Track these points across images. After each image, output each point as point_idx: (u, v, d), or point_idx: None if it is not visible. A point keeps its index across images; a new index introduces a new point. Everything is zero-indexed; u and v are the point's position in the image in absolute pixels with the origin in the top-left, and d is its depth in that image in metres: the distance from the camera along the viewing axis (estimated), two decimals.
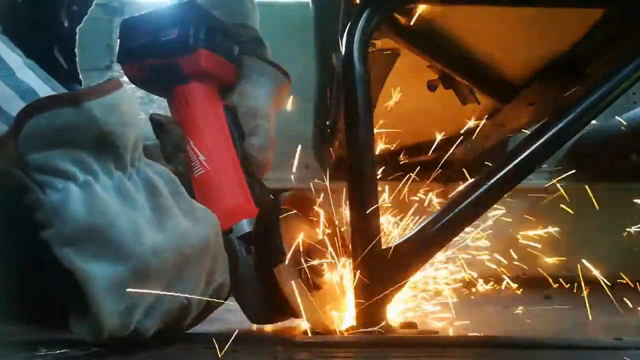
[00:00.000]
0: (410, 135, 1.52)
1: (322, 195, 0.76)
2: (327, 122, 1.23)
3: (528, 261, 1.81)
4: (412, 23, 0.83)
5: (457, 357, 0.53)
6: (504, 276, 1.77)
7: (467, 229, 0.79)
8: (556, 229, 1.84)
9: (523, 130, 1.28)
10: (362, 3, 0.73)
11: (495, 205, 0.70)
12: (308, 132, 1.60)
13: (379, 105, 1.03)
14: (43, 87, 0.56)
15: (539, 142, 0.66)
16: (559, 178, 1.85)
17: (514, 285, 1.62)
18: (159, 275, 0.52)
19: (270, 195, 0.74)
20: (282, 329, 0.73)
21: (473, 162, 1.57)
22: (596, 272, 1.73)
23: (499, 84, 1.07)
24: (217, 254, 0.60)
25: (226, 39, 0.76)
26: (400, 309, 0.77)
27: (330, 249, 0.73)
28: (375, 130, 0.71)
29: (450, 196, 0.71)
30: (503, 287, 1.59)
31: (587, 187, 1.83)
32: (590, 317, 0.89)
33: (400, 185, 1.79)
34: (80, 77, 0.87)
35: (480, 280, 1.78)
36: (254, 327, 0.75)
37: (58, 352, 0.52)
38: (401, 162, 1.66)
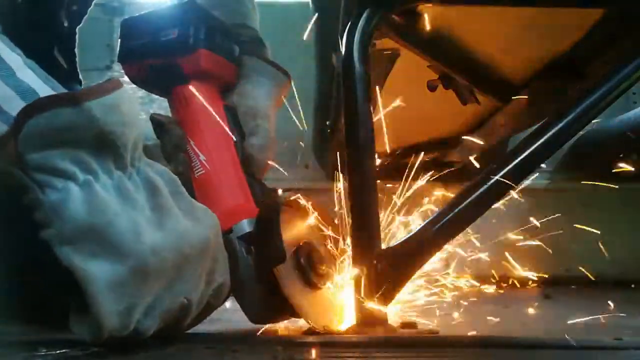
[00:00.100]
0: (411, 135, 1.52)
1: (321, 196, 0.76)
2: (327, 122, 1.23)
3: (528, 261, 1.81)
4: (412, 23, 0.83)
5: (457, 357, 0.53)
6: (504, 276, 1.77)
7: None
8: (555, 228, 1.84)
9: (523, 130, 1.29)
10: (362, 3, 0.73)
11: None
12: (308, 132, 1.60)
13: (379, 105, 1.03)
14: (43, 87, 0.57)
15: (539, 142, 0.66)
16: (559, 178, 1.85)
17: (515, 286, 1.63)
18: (159, 274, 0.52)
19: (271, 196, 0.74)
20: (282, 329, 0.73)
21: (473, 162, 1.57)
22: (596, 272, 1.73)
23: (499, 84, 1.07)
24: (217, 254, 0.60)
25: (226, 39, 0.76)
26: (401, 308, 0.77)
27: (329, 248, 0.73)
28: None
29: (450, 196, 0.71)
30: (503, 287, 1.59)
31: (586, 187, 1.83)
32: (590, 317, 0.89)
33: (401, 185, 1.79)
34: (80, 77, 0.87)
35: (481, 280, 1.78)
36: (254, 327, 0.75)
37: (58, 352, 0.52)
38: (401, 162, 1.66)
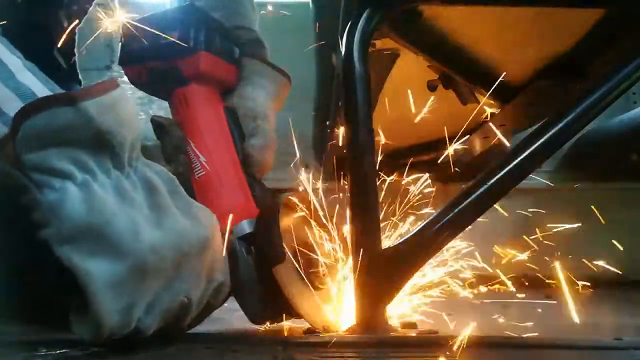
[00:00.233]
0: (411, 135, 1.52)
1: (321, 196, 0.76)
2: (327, 122, 1.23)
3: (528, 261, 1.81)
4: (412, 23, 0.83)
5: (456, 357, 0.53)
6: (505, 276, 1.77)
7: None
8: (556, 228, 1.84)
9: (523, 130, 1.29)
10: (362, 3, 0.73)
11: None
12: (308, 132, 1.60)
13: (379, 105, 1.03)
14: (43, 89, 0.57)
15: (539, 142, 0.66)
16: (559, 178, 1.85)
17: (514, 285, 1.63)
18: (158, 273, 0.52)
19: (271, 196, 0.74)
20: (282, 329, 0.73)
21: (473, 162, 1.57)
22: (596, 272, 1.73)
23: (498, 84, 1.07)
24: (217, 253, 0.60)
25: (226, 40, 0.76)
26: (401, 309, 0.77)
27: (329, 249, 0.73)
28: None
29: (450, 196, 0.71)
30: (503, 287, 1.59)
31: (586, 187, 1.83)
32: (590, 317, 0.89)
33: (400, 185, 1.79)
34: (80, 77, 0.87)
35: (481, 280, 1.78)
36: (254, 327, 0.75)
37: (58, 352, 0.52)
38: (401, 162, 1.66)
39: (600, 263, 1.77)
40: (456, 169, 1.65)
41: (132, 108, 0.55)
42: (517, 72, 1.04)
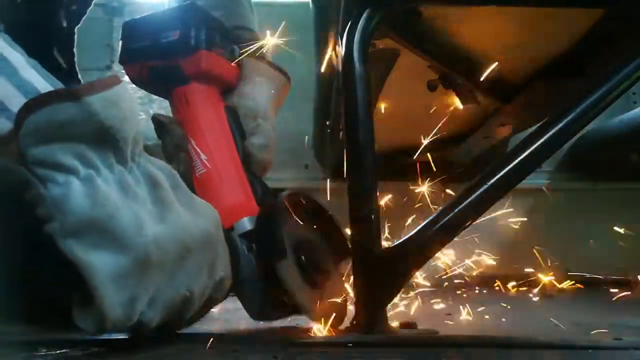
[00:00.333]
0: (411, 135, 1.52)
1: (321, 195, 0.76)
2: (327, 122, 1.23)
3: (528, 261, 1.81)
4: (412, 23, 0.83)
5: (457, 357, 0.53)
6: (504, 276, 1.77)
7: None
8: (555, 228, 1.84)
9: (523, 130, 1.29)
10: (362, 3, 0.73)
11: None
12: (308, 132, 1.60)
13: (379, 105, 1.03)
14: (45, 85, 0.57)
15: (539, 142, 0.66)
16: (559, 178, 1.85)
17: (514, 285, 1.63)
18: (161, 266, 0.52)
19: (271, 194, 0.74)
20: (282, 329, 0.73)
21: (473, 162, 1.57)
22: (596, 272, 1.73)
23: (499, 84, 1.07)
24: (219, 248, 0.60)
25: (227, 40, 0.77)
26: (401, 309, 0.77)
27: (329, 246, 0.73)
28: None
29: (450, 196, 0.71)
30: (503, 287, 1.59)
31: (586, 187, 1.83)
32: (590, 317, 0.89)
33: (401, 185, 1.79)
34: (80, 77, 0.87)
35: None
36: (254, 327, 0.75)
37: (58, 352, 0.52)
38: (401, 162, 1.66)
39: (600, 263, 1.77)
40: (456, 169, 1.65)
41: (134, 104, 0.55)
42: (517, 72, 1.04)
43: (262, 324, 0.77)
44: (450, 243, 0.67)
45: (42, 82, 0.57)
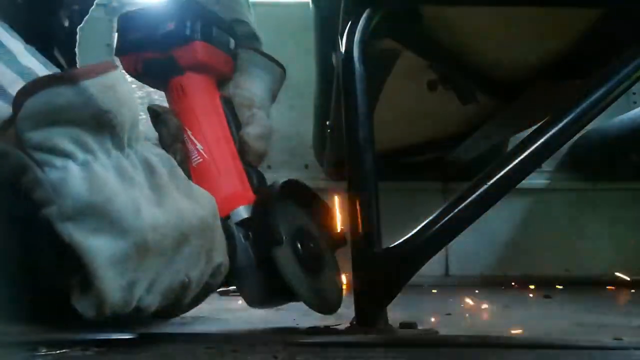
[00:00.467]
0: (410, 135, 1.52)
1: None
2: (327, 122, 1.23)
3: (528, 261, 1.81)
4: (412, 23, 0.83)
5: (457, 357, 0.53)
6: (504, 276, 1.77)
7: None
8: (555, 228, 1.84)
9: (523, 130, 1.29)
10: (362, 3, 0.73)
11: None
12: (308, 132, 1.60)
13: (379, 105, 1.03)
14: (45, 72, 0.57)
15: (539, 142, 0.66)
16: (559, 178, 1.85)
17: (514, 286, 1.63)
18: (159, 250, 0.52)
19: (267, 183, 0.74)
20: (282, 329, 0.73)
21: (473, 162, 1.57)
22: (596, 272, 1.74)
23: (499, 84, 1.07)
24: (216, 235, 0.61)
25: (222, 31, 0.77)
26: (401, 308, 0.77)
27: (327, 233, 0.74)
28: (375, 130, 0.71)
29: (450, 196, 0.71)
30: (503, 286, 1.59)
31: (586, 187, 1.83)
32: (590, 317, 0.89)
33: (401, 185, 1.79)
34: None
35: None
36: (254, 327, 0.75)
37: (58, 352, 0.52)
38: (401, 162, 1.66)
39: (600, 263, 1.77)
40: (456, 169, 1.66)
41: (131, 89, 0.55)
42: (517, 72, 1.04)
43: (262, 324, 0.77)
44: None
45: (42, 69, 0.57)
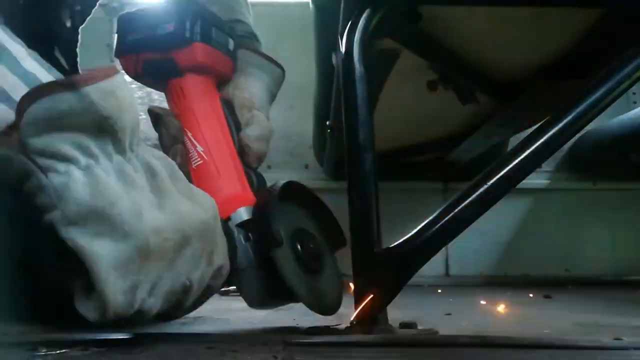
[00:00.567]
0: (410, 135, 1.52)
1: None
2: (327, 122, 1.23)
3: (528, 261, 1.81)
4: (411, 23, 0.83)
5: (457, 357, 0.53)
6: (504, 276, 1.77)
7: None
8: (556, 228, 1.84)
9: (523, 130, 1.29)
10: (362, 3, 0.73)
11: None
12: (308, 132, 1.61)
13: (379, 105, 1.03)
14: (47, 76, 0.57)
15: (539, 142, 0.66)
16: (559, 178, 1.85)
17: (515, 285, 1.63)
18: (161, 254, 0.52)
19: (267, 184, 0.74)
20: (282, 329, 0.73)
21: (473, 162, 1.57)
22: (596, 272, 1.74)
23: (499, 84, 1.07)
24: (217, 237, 0.61)
25: (222, 32, 0.77)
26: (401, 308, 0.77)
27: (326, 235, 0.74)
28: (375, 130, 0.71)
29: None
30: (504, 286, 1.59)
31: (586, 187, 1.83)
32: (590, 317, 0.89)
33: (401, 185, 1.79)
34: None
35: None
36: (254, 327, 0.75)
37: (58, 352, 0.52)
38: (402, 162, 1.67)
39: (600, 263, 1.77)
40: (456, 169, 1.66)
41: (132, 94, 0.55)
42: (517, 72, 1.04)
43: (262, 324, 0.77)
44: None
45: (44, 73, 0.58)
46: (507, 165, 0.65)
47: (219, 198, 0.65)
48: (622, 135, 1.48)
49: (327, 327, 0.67)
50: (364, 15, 0.72)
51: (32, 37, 0.64)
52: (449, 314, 0.91)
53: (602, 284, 1.65)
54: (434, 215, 0.66)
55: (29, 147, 0.50)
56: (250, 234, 0.68)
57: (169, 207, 0.55)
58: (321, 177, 1.76)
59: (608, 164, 1.69)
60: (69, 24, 0.87)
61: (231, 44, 0.79)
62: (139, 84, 0.79)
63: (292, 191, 0.71)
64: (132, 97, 0.55)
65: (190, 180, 0.65)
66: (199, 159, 0.71)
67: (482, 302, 1.13)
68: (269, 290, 0.68)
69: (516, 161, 0.66)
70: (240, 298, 0.70)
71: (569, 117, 0.66)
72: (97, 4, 0.91)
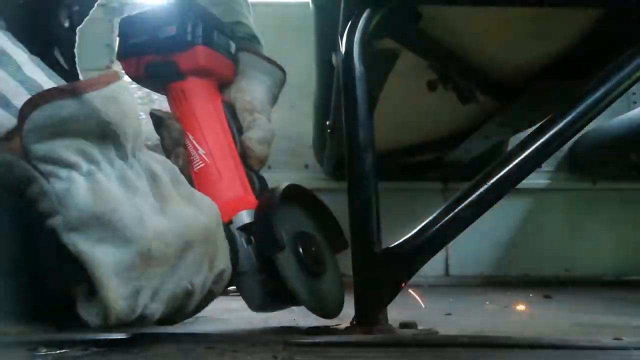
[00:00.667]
0: (410, 135, 1.52)
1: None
2: (327, 122, 1.23)
3: (528, 261, 1.81)
4: (412, 23, 0.83)
5: (457, 357, 0.53)
6: (504, 276, 1.77)
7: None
8: (556, 228, 1.84)
9: (523, 130, 1.29)
10: (362, 3, 0.73)
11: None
12: (308, 132, 1.61)
13: (379, 105, 1.03)
14: (49, 82, 0.57)
15: (539, 142, 0.66)
16: (559, 178, 1.85)
17: (514, 285, 1.63)
18: (163, 259, 0.52)
19: (269, 187, 0.74)
20: (282, 329, 0.73)
21: (473, 162, 1.57)
22: (596, 272, 1.74)
23: (499, 84, 1.07)
24: (219, 241, 0.61)
25: (223, 35, 0.77)
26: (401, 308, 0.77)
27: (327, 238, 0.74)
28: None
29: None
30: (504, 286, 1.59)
31: (586, 187, 1.83)
32: (590, 317, 0.89)
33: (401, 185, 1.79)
34: (80, 77, 0.87)
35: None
36: (254, 327, 0.75)
37: (58, 352, 0.52)
38: (401, 162, 1.67)
39: (600, 263, 1.77)
40: (456, 168, 1.66)
41: (133, 100, 0.55)
42: (517, 72, 1.04)
43: (262, 324, 0.77)
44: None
45: (45, 79, 0.58)
46: (507, 165, 0.65)
47: (221, 201, 0.65)
48: (622, 135, 1.48)
49: (327, 327, 0.67)
50: (364, 15, 0.72)
51: (31, 38, 0.63)
52: (449, 314, 0.91)
53: (602, 284, 1.65)
54: (434, 215, 0.66)
55: (31, 153, 0.50)
56: (252, 238, 0.68)
57: (170, 212, 0.55)
58: (321, 177, 1.76)
59: (608, 164, 1.69)
60: (67, 24, 0.87)
61: (232, 46, 0.79)
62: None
63: (294, 194, 0.71)
64: (133, 103, 0.55)
65: (191, 183, 0.65)
66: (200, 162, 0.71)
67: (482, 302, 1.13)
68: (271, 294, 0.68)
69: (516, 161, 0.66)
70: (240, 298, 0.70)
71: (569, 117, 0.66)
72: (95, 4, 0.91)
